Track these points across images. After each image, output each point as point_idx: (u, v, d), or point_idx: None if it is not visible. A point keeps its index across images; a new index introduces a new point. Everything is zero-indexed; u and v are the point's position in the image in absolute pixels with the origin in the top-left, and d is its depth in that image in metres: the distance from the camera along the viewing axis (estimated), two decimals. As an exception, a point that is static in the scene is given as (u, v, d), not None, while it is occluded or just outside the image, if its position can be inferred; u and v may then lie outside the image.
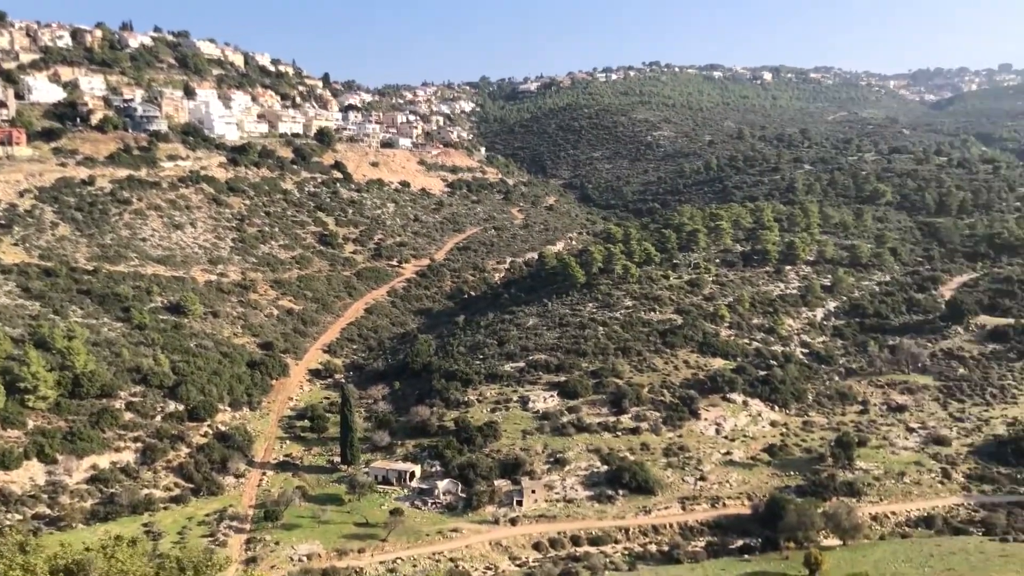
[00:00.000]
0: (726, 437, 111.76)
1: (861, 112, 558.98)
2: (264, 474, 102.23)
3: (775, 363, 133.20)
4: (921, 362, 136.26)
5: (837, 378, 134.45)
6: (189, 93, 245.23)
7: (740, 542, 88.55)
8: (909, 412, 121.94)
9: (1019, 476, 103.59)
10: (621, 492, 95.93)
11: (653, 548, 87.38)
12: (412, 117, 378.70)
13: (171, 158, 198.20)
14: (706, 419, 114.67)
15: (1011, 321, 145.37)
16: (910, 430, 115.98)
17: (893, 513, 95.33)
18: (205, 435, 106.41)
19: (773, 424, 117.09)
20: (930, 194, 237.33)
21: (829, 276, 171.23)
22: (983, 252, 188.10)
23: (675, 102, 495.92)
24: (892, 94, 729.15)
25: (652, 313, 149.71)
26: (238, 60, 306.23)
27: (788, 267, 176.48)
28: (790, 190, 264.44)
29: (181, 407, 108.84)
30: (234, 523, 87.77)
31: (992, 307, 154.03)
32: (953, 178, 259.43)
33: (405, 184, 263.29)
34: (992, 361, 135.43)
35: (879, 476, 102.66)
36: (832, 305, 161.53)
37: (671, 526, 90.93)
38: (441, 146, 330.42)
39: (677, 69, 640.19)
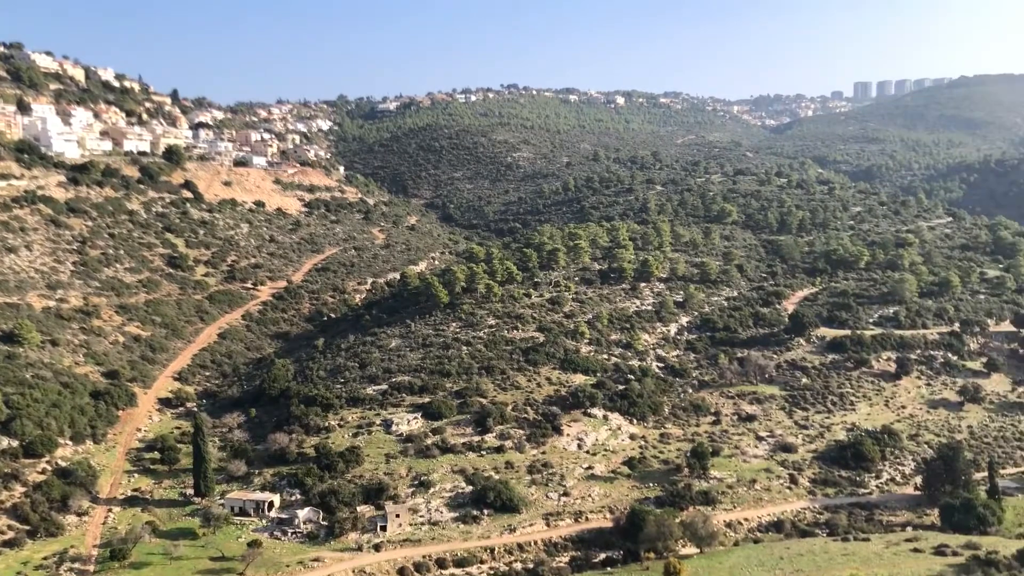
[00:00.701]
0: (588, 452, 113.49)
1: (708, 136, 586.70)
2: (110, 510, 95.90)
3: (633, 377, 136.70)
4: (768, 373, 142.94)
5: (691, 390, 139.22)
6: (23, 108, 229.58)
7: (603, 555, 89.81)
8: (758, 421, 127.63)
9: (858, 478, 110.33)
10: (486, 512, 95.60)
11: (519, 566, 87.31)
12: (267, 135, 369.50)
13: (2, 177, 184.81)
14: (568, 435, 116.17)
15: (848, 332, 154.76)
16: (759, 439, 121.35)
17: (746, 519, 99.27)
18: (43, 472, 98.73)
19: (632, 437, 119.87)
20: (772, 213, 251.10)
21: (681, 292, 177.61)
22: (821, 268, 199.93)
23: (533, 124, 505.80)
24: (736, 119, 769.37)
25: (515, 331, 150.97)
26: (78, 75, 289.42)
27: (643, 284, 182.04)
28: (644, 210, 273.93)
29: (15, 443, 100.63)
30: (76, 565, 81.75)
31: (831, 319, 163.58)
32: (793, 198, 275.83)
33: (260, 204, 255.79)
34: (832, 370, 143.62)
35: (732, 484, 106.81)
36: (685, 320, 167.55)
37: (536, 543, 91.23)
38: (298, 165, 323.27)
39: (535, 92, 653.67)
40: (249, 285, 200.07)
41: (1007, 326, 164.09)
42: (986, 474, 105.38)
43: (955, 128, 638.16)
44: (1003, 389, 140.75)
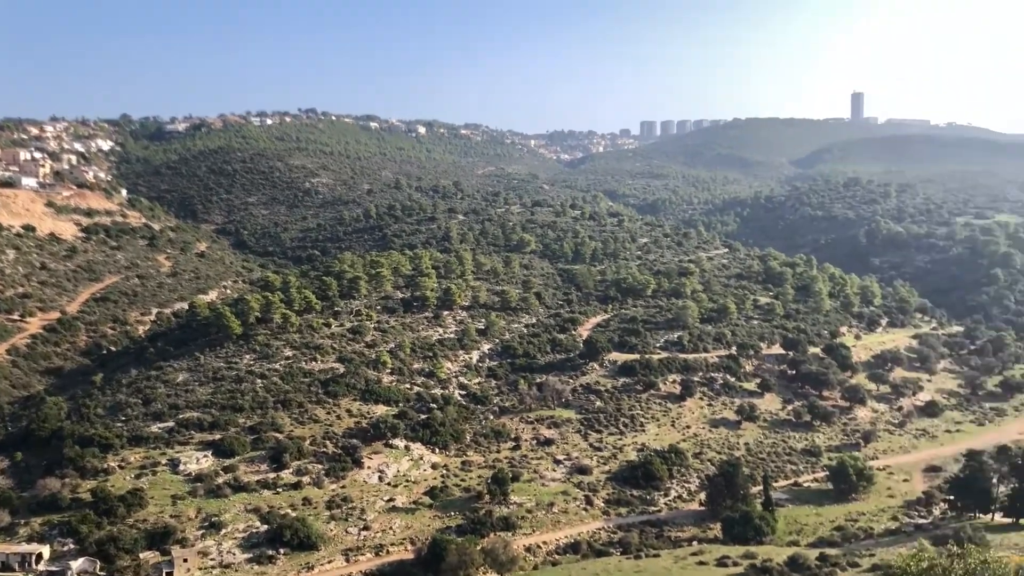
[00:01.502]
0: (389, 484, 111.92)
1: (507, 168, 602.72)
2: None
3: (435, 406, 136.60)
4: (565, 397, 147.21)
5: (492, 417, 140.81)
6: None
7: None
8: (556, 445, 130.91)
9: (648, 497, 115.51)
10: (283, 551, 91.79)
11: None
12: (38, 154, 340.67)
13: None
14: (369, 467, 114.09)
15: (637, 356, 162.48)
16: (557, 462, 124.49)
17: (545, 543, 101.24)
18: None
19: (434, 466, 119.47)
20: (568, 243, 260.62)
21: (483, 320, 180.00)
22: (613, 295, 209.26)
23: (333, 150, 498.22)
24: (533, 152, 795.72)
25: (314, 362, 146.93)
26: None
27: (446, 312, 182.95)
28: (446, 239, 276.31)
29: None
30: None
31: (622, 344, 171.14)
32: (586, 229, 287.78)
33: (29, 228, 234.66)
34: (623, 393, 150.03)
35: (531, 508, 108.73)
36: (486, 347, 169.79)
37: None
38: (74, 187, 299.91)
39: (334, 117, 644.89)
40: (16, 317, 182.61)
41: (777, 349, 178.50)
42: (761, 487, 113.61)
43: (730, 166, 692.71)
44: (775, 408, 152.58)
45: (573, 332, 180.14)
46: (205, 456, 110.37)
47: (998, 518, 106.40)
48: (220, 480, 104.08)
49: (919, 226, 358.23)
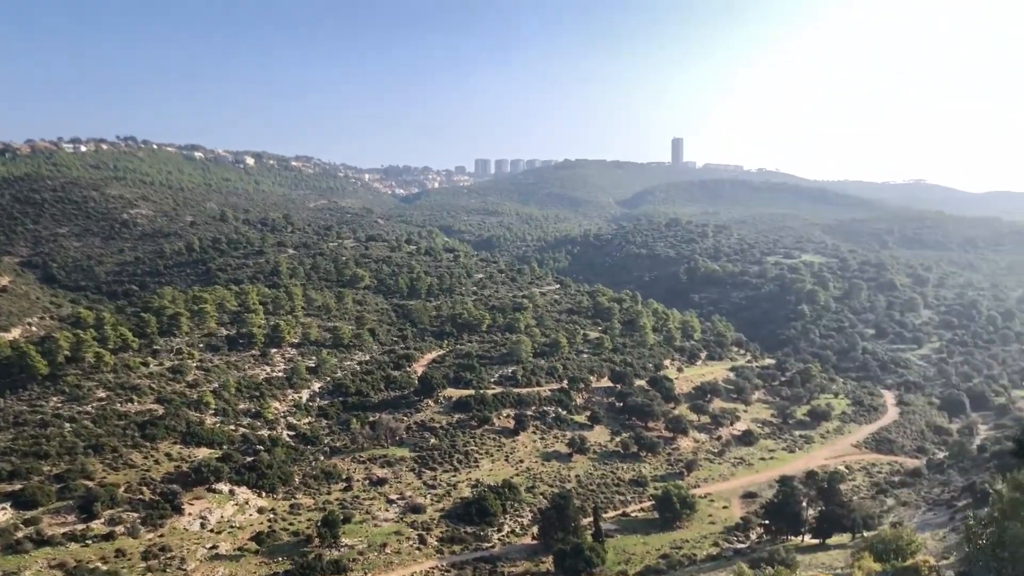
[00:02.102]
0: (212, 530, 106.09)
1: (340, 201, 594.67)
2: None
3: (262, 448, 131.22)
4: (399, 435, 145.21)
5: (323, 457, 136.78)
6: None
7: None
8: (389, 484, 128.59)
9: (482, 533, 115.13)
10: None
11: (129, 668, 78.25)
12: None
13: None
14: (191, 514, 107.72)
15: (472, 392, 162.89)
16: (390, 502, 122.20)
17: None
18: None
19: (261, 511, 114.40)
20: (403, 279, 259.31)
21: (314, 357, 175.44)
22: (448, 331, 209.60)
23: (154, 180, 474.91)
24: (367, 186, 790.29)
25: (130, 404, 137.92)
26: None
27: (274, 350, 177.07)
28: (275, 273, 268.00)
29: None
30: None
31: (457, 380, 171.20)
32: (422, 265, 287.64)
33: None
34: (458, 429, 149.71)
35: (363, 550, 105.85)
36: (317, 386, 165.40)
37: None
38: None
39: (156, 146, 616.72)
40: None
41: (606, 382, 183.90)
42: (592, 519, 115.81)
43: (561, 205, 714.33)
44: (604, 439, 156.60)
45: (408, 369, 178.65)
46: (3, 508, 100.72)
47: (808, 539, 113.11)
48: (20, 534, 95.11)
49: (734, 264, 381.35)
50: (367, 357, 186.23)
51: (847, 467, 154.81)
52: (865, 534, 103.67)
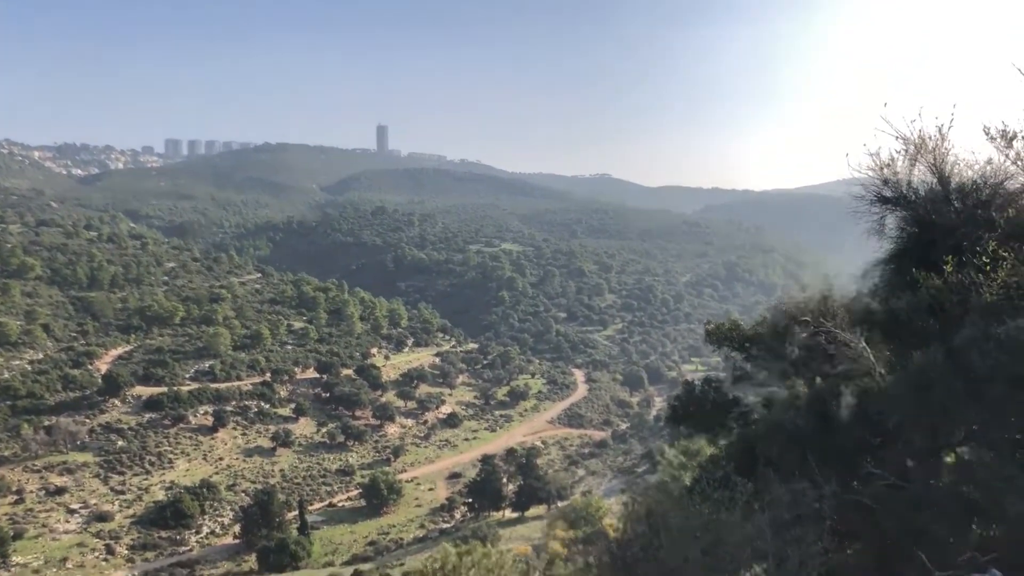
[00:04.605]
0: None
1: (3, 182, 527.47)
2: None
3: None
4: (80, 439, 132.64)
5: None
6: None
7: None
8: (70, 493, 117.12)
9: (179, 537, 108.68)
10: None
11: None
12: None
13: None
14: None
15: (164, 389, 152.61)
16: (71, 512, 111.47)
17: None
18: None
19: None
20: (82, 268, 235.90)
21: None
22: (136, 324, 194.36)
23: None
24: (37, 165, 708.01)
25: None
26: None
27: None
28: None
29: None
30: None
31: (147, 377, 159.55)
32: (104, 253, 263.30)
33: None
34: (149, 429, 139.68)
35: (40, 567, 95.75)
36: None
37: None
38: None
39: None
40: None
41: (312, 373, 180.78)
42: (297, 512, 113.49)
43: (262, 190, 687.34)
44: (310, 431, 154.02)
45: (89, 367, 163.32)
46: None
47: (508, 513, 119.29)
48: None
49: (439, 253, 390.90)
50: (40, 355, 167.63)
51: (543, 442, 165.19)
52: (559, 504, 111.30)
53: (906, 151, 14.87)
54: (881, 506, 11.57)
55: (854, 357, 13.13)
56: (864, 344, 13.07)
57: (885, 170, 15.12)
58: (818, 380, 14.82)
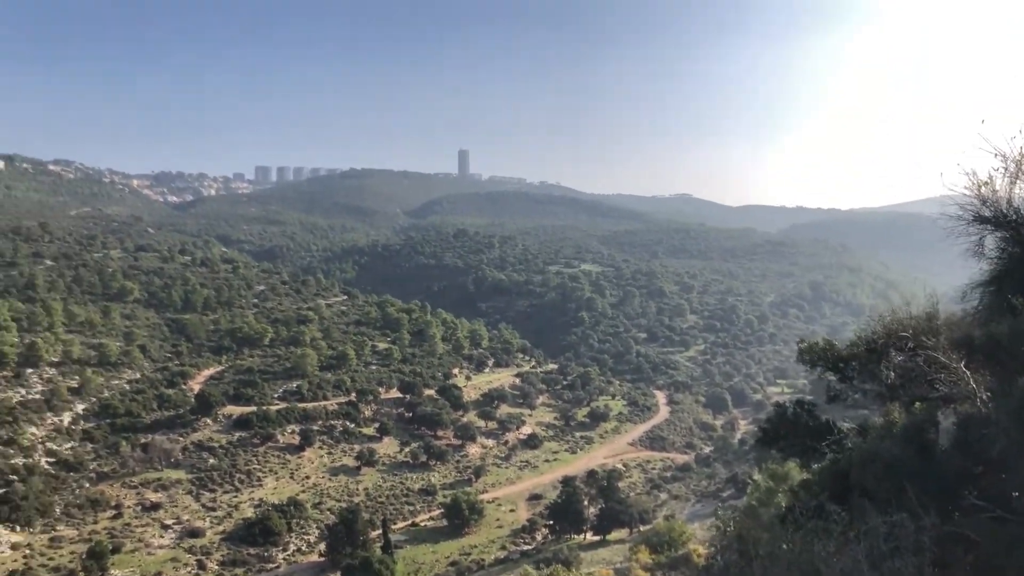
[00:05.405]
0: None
1: (106, 209, 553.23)
2: None
3: (16, 478, 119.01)
4: (174, 457, 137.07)
5: (88, 485, 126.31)
6: None
7: None
8: (164, 509, 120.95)
9: (266, 554, 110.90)
10: None
11: None
12: None
13: None
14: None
15: (254, 409, 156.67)
16: (165, 527, 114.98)
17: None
18: None
19: (15, 547, 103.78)
20: (176, 291, 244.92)
21: (77, 377, 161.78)
22: (227, 345, 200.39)
23: None
24: (136, 193, 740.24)
25: None
26: None
27: (30, 370, 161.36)
28: (30, 287, 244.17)
29: None
30: None
31: (237, 396, 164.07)
32: (197, 276, 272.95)
33: None
34: (239, 448, 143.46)
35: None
36: (81, 407, 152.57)
37: None
38: None
39: None
40: None
41: (395, 393, 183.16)
42: (381, 531, 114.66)
43: (348, 215, 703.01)
44: (393, 451, 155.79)
45: (183, 386, 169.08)
46: None
47: (589, 536, 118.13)
48: None
49: (519, 274, 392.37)
50: (137, 375, 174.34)
51: (624, 465, 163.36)
52: (642, 528, 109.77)
53: (1006, 169, 14.36)
54: (985, 539, 11.11)
55: (954, 381, 12.68)
56: (964, 368, 12.64)
57: (983, 189, 14.62)
58: (916, 405, 14.35)
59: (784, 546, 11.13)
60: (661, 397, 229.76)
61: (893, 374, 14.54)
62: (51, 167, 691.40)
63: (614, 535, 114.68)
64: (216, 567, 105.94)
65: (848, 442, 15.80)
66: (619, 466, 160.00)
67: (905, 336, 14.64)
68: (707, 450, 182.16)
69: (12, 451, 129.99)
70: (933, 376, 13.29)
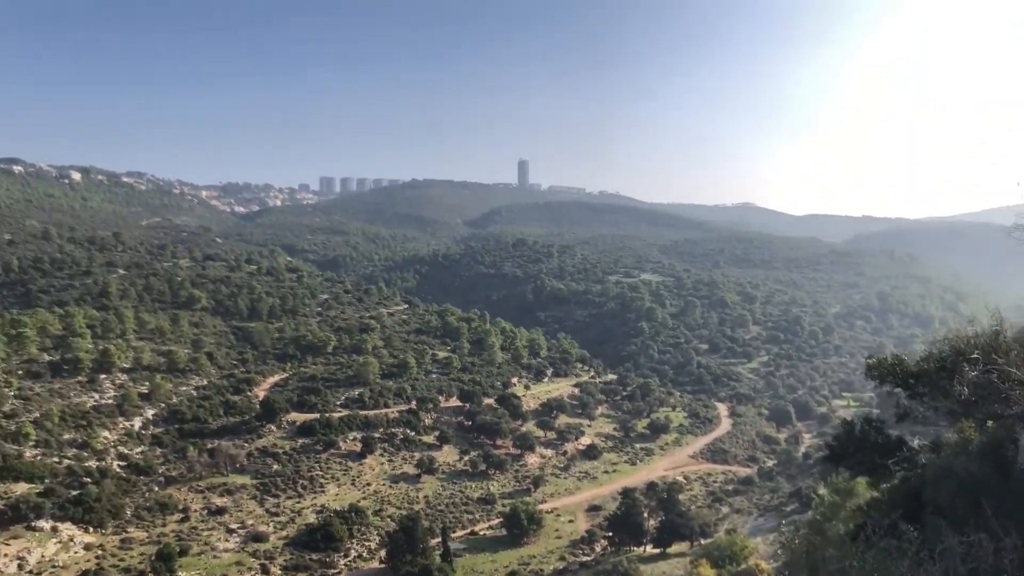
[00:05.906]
0: (31, 571, 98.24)
1: (175, 219, 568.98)
2: None
3: (89, 480, 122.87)
4: (239, 462, 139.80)
5: (157, 488, 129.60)
6: None
7: None
8: (229, 513, 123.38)
9: (328, 559, 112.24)
10: None
11: None
12: None
13: None
14: (7, 555, 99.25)
15: (317, 416, 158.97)
16: (230, 531, 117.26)
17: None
18: None
19: (88, 547, 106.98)
20: (243, 300, 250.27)
21: (147, 383, 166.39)
22: (291, 353, 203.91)
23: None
24: (204, 203, 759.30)
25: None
26: None
27: (103, 376, 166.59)
28: (104, 295, 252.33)
29: None
30: None
31: (301, 403, 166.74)
32: (263, 285, 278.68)
33: None
34: (302, 454, 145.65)
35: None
36: (151, 413, 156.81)
37: None
38: None
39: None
40: None
41: (455, 401, 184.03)
42: (440, 539, 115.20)
43: (409, 225, 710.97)
44: (453, 459, 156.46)
45: (248, 393, 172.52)
46: None
47: (649, 549, 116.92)
48: None
49: (578, 283, 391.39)
50: (205, 382, 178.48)
51: (685, 477, 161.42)
52: (702, 542, 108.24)
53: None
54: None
55: (1032, 399, 12.32)
56: (1043, 385, 12.26)
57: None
58: (990, 422, 13.96)
59: (855, 563, 10.93)
60: (723, 409, 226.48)
61: (967, 390, 14.15)
62: (124, 179, 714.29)
63: (674, 548, 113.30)
64: (279, 571, 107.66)
65: (920, 459, 15.44)
66: (679, 478, 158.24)
67: (976, 352, 14.26)
68: (770, 464, 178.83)
69: (86, 454, 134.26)
70: (1008, 392, 12.92)
